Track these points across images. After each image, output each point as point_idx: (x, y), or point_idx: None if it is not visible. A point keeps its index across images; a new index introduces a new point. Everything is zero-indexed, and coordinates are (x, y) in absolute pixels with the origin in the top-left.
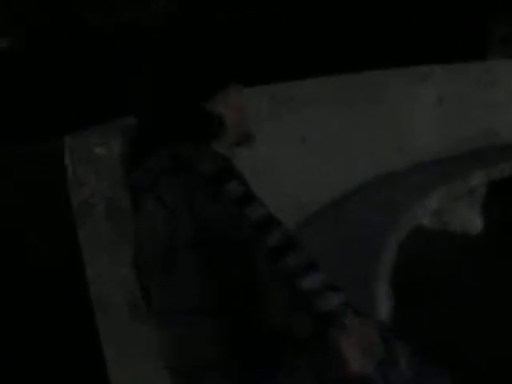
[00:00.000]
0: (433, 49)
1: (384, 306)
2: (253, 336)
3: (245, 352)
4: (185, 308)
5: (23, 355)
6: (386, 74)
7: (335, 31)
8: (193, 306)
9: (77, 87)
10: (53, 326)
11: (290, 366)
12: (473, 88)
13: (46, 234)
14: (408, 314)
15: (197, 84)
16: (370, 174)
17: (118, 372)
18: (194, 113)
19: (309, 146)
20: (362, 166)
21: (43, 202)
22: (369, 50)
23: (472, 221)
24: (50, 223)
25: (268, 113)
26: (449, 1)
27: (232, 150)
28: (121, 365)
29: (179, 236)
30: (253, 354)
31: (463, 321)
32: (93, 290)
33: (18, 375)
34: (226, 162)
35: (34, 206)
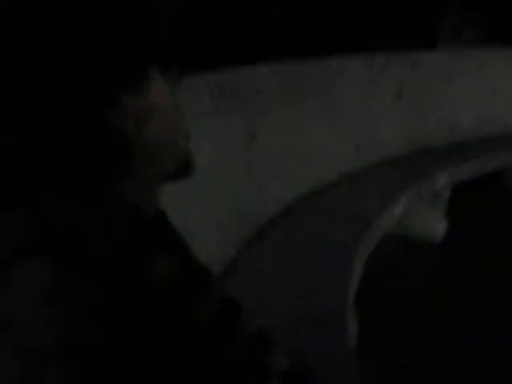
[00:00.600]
0: (384, 37)
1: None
2: None
3: None
4: None
5: None
6: (340, 63)
7: (285, 13)
8: None
9: None
10: None
11: None
12: (433, 79)
13: None
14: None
15: (76, 72)
16: (326, 175)
17: None
18: (77, 130)
19: (258, 144)
20: (317, 166)
21: None
22: (318, 36)
23: (435, 226)
24: None
25: (210, 107)
26: None
27: (153, 192)
28: None
29: None
30: None
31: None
32: None
33: None
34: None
35: None
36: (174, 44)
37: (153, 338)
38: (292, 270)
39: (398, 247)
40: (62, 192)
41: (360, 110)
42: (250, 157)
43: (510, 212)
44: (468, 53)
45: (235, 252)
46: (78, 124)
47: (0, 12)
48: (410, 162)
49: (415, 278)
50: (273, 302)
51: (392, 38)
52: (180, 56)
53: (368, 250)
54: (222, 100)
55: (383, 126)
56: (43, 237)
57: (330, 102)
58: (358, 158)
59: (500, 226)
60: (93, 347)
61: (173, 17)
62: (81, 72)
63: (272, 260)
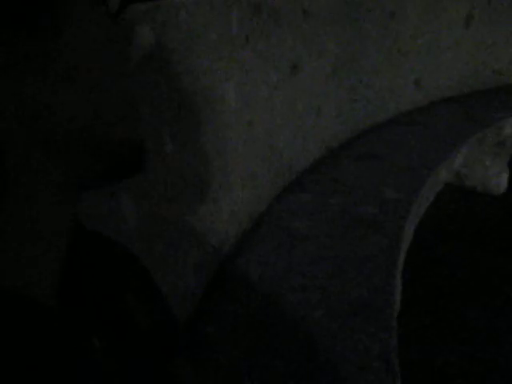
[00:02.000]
0: None
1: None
2: None
3: None
4: None
5: None
6: None
7: None
8: None
9: None
10: None
11: None
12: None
13: None
14: None
15: None
16: (381, 112)
17: None
18: None
19: (301, 77)
20: (372, 102)
21: None
22: None
23: (497, 177)
24: None
25: (237, 35)
26: None
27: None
28: None
29: None
30: None
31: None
32: None
33: None
34: None
35: None
36: None
37: None
38: (332, 233)
39: (456, 200)
40: None
41: (422, 39)
42: (293, 92)
43: None
44: None
45: (270, 202)
46: None
47: None
48: (476, 102)
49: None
50: (305, 267)
51: None
52: None
53: (422, 210)
54: (258, 22)
55: (447, 57)
56: None
57: (391, 28)
58: (419, 93)
59: None
60: None
61: None
62: None
63: (309, 217)
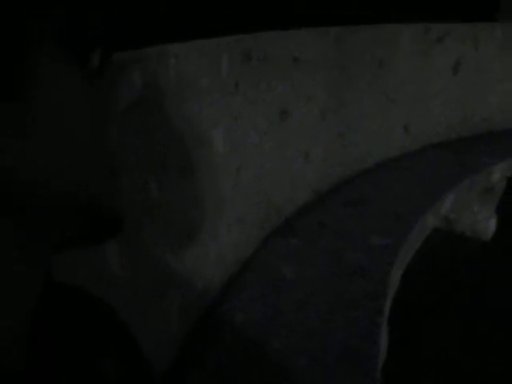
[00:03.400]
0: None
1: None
2: None
3: None
4: None
5: None
6: (393, 32)
7: None
8: None
9: None
10: None
11: None
12: (495, 53)
13: None
14: None
15: None
16: (371, 158)
17: None
18: None
19: (290, 123)
20: (360, 148)
21: None
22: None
23: (485, 222)
24: None
25: (230, 80)
26: None
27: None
28: None
29: None
30: None
31: None
32: None
33: None
34: None
35: None
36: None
37: None
38: (319, 279)
39: (443, 245)
40: None
41: (412, 85)
42: (282, 137)
43: None
44: None
45: (257, 246)
46: None
47: None
48: (464, 147)
49: (462, 280)
50: (291, 313)
51: (449, 8)
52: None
53: (408, 257)
54: (247, 69)
55: (436, 103)
56: None
57: (380, 74)
58: (407, 138)
59: None
60: None
61: None
62: None
63: (296, 261)
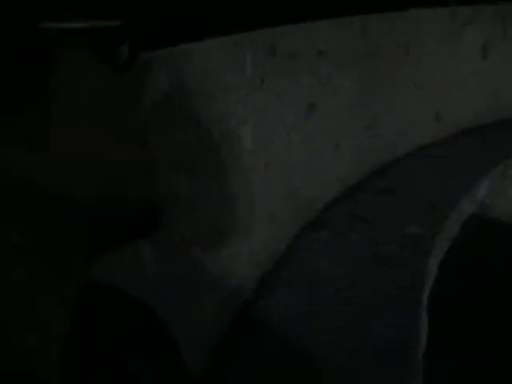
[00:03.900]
0: None
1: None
2: None
3: None
4: None
5: None
6: (418, 17)
7: None
8: None
9: None
10: None
11: None
12: None
13: None
14: None
15: None
16: (399, 147)
17: None
18: None
19: (317, 116)
20: (389, 137)
21: None
22: None
23: None
24: None
25: (255, 76)
26: None
27: None
28: None
29: None
30: None
31: None
32: None
33: None
34: None
35: None
36: None
37: None
38: (354, 272)
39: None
40: None
41: (439, 72)
42: (310, 131)
43: None
44: None
45: (289, 241)
46: None
47: None
48: (496, 132)
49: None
50: (327, 308)
51: None
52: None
53: (446, 246)
54: (272, 64)
55: (464, 89)
56: None
57: (406, 62)
58: (438, 126)
59: None
60: None
61: None
62: None
63: (329, 256)
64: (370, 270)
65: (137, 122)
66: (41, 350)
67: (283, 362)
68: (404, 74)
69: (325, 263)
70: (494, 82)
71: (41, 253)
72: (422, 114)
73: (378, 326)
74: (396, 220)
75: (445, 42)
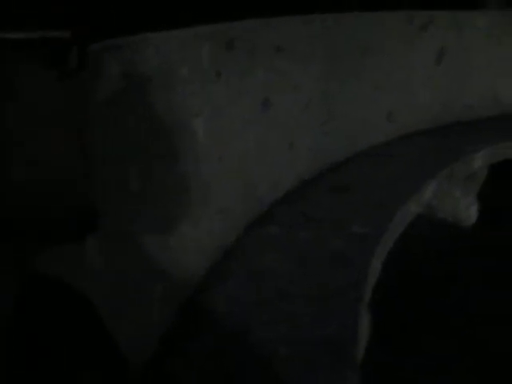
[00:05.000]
0: None
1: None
2: None
3: None
4: None
5: None
6: (378, 19)
7: None
8: None
9: None
10: None
11: None
12: (479, 43)
13: None
14: None
15: None
16: (354, 146)
17: None
18: None
19: (273, 112)
20: (344, 136)
21: None
22: None
23: (466, 209)
24: None
25: (212, 69)
26: None
27: None
28: None
29: None
30: None
31: None
32: None
33: None
34: None
35: None
36: None
37: None
38: (301, 267)
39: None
40: None
41: (397, 73)
42: (265, 126)
43: None
44: None
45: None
46: None
47: None
48: (446, 135)
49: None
50: (273, 301)
51: None
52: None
53: (389, 245)
54: (229, 58)
55: (419, 92)
56: None
57: (364, 63)
58: (393, 126)
59: None
60: None
61: None
62: None
63: (278, 250)
64: (316, 267)
65: (82, 123)
66: None
67: (230, 351)
68: (362, 75)
69: (273, 257)
70: (448, 86)
71: None
72: (378, 114)
73: (321, 322)
74: (345, 218)
75: (403, 45)
